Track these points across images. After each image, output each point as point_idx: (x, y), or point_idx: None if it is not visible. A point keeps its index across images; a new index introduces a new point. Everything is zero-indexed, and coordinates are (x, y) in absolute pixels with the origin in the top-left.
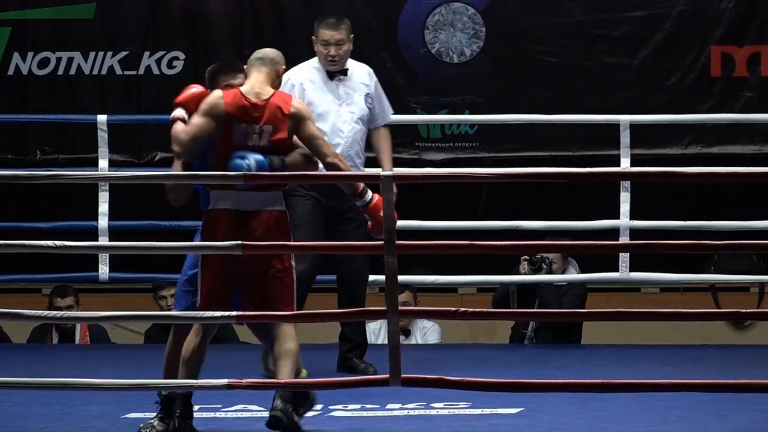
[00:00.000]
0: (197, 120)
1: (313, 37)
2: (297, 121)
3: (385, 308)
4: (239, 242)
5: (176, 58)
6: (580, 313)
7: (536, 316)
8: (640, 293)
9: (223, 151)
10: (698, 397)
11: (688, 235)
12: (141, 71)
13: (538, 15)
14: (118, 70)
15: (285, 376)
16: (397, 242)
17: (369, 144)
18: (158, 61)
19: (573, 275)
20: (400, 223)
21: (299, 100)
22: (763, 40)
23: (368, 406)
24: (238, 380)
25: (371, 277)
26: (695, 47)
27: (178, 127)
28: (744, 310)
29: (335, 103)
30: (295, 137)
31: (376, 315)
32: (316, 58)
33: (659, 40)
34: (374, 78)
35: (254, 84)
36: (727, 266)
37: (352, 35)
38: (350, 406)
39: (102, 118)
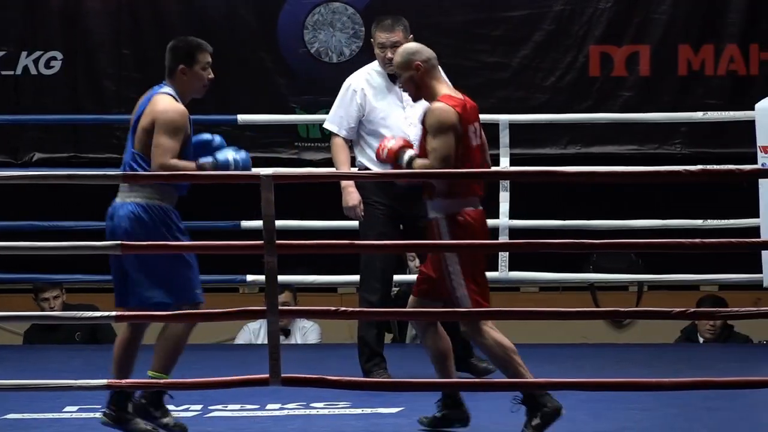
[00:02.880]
0: (448, 139)
1: (372, 40)
2: None
3: (264, 308)
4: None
5: (54, 58)
6: (458, 313)
7: (413, 315)
8: (520, 292)
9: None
10: (578, 395)
11: (567, 235)
12: (19, 71)
13: (417, 14)
14: None
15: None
16: (276, 242)
17: None
18: (36, 61)
19: None
20: (279, 223)
21: None
22: (642, 40)
23: (248, 406)
24: (117, 380)
25: (250, 278)
26: (574, 47)
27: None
28: (622, 309)
29: (399, 106)
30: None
31: (255, 315)
32: (376, 62)
33: (538, 40)
34: None
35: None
36: (606, 266)
37: (411, 36)
38: (230, 406)
39: None
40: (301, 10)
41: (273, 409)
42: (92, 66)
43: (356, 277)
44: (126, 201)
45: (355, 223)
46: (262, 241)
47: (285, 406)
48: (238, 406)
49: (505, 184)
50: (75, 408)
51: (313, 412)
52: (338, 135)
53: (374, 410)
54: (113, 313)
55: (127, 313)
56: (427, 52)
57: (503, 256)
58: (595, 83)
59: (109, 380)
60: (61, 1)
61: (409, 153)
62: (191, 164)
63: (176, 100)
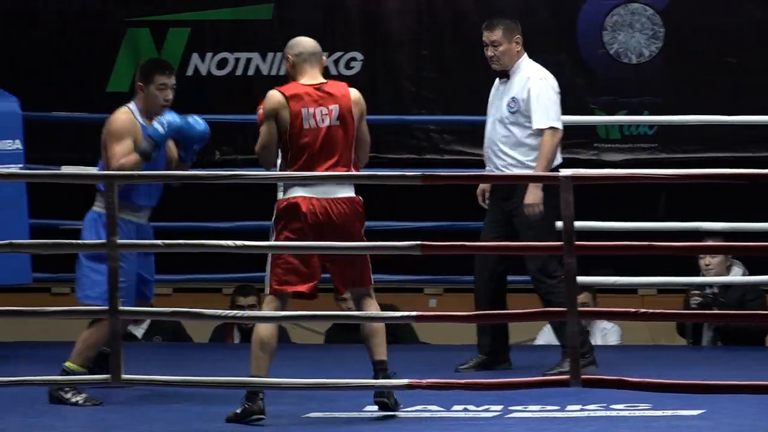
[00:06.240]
0: (269, 126)
1: None
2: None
3: (564, 309)
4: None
5: (354, 59)
6: (761, 316)
7: (718, 318)
8: None
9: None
10: None
11: None
12: None
13: (717, 15)
14: None
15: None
16: (575, 243)
17: None
18: (336, 62)
19: (751, 277)
20: (579, 224)
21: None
22: None
23: (548, 407)
24: (418, 380)
25: (512, 277)
26: None
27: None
28: None
29: (492, 103)
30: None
31: (556, 316)
32: None
33: None
34: (532, 84)
35: (312, 75)
36: None
37: (518, 36)
38: (530, 407)
39: None
40: (600, 11)
41: (573, 410)
42: (391, 66)
43: (658, 279)
44: (93, 209)
45: (656, 224)
46: (561, 242)
47: (585, 407)
48: (538, 407)
49: None
50: (376, 407)
51: (613, 413)
52: None
53: (675, 412)
54: (413, 313)
55: (426, 313)
56: (300, 46)
57: None
58: None
59: (411, 380)
60: (360, 1)
61: None
62: (132, 156)
63: (133, 114)
